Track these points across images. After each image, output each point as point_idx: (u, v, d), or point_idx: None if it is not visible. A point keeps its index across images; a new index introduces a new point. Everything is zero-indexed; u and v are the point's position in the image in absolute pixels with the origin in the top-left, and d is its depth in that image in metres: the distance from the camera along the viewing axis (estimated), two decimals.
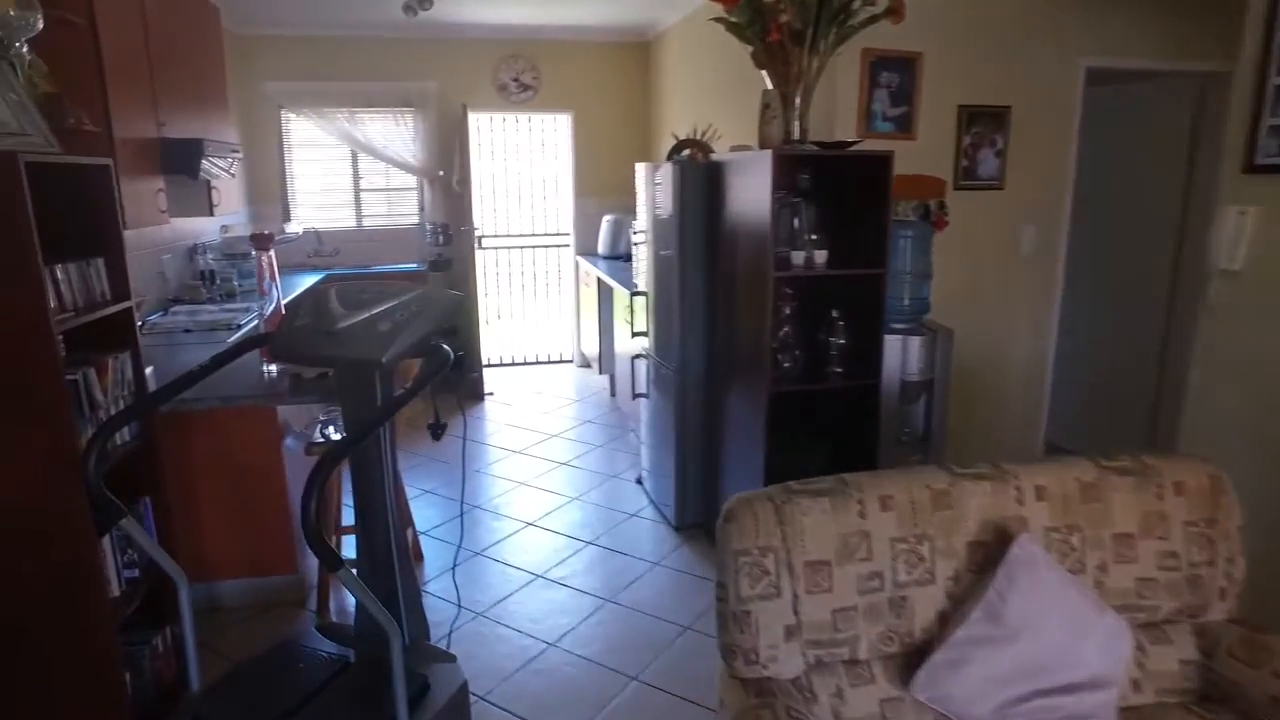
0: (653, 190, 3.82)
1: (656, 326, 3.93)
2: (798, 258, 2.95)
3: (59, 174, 2.25)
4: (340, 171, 6.32)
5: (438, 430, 2.35)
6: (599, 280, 5.71)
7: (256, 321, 3.74)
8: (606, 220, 6.30)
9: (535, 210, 6.96)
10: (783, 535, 1.62)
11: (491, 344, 7.08)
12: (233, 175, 4.27)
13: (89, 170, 2.39)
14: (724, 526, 1.65)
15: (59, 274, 2.20)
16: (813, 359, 3.13)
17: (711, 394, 3.60)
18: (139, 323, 3.85)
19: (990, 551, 1.69)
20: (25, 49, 2.58)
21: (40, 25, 2.25)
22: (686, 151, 3.68)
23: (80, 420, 2.21)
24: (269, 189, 6.17)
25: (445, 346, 2.20)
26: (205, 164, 3.75)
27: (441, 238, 6.17)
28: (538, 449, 4.92)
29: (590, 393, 6.11)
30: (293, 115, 6.10)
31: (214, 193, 4.27)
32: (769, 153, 2.74)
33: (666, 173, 3.53)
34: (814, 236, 2.97)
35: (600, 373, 5.98)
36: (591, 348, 6.34)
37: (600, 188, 6.56)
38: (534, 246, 7.01)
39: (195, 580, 3.04)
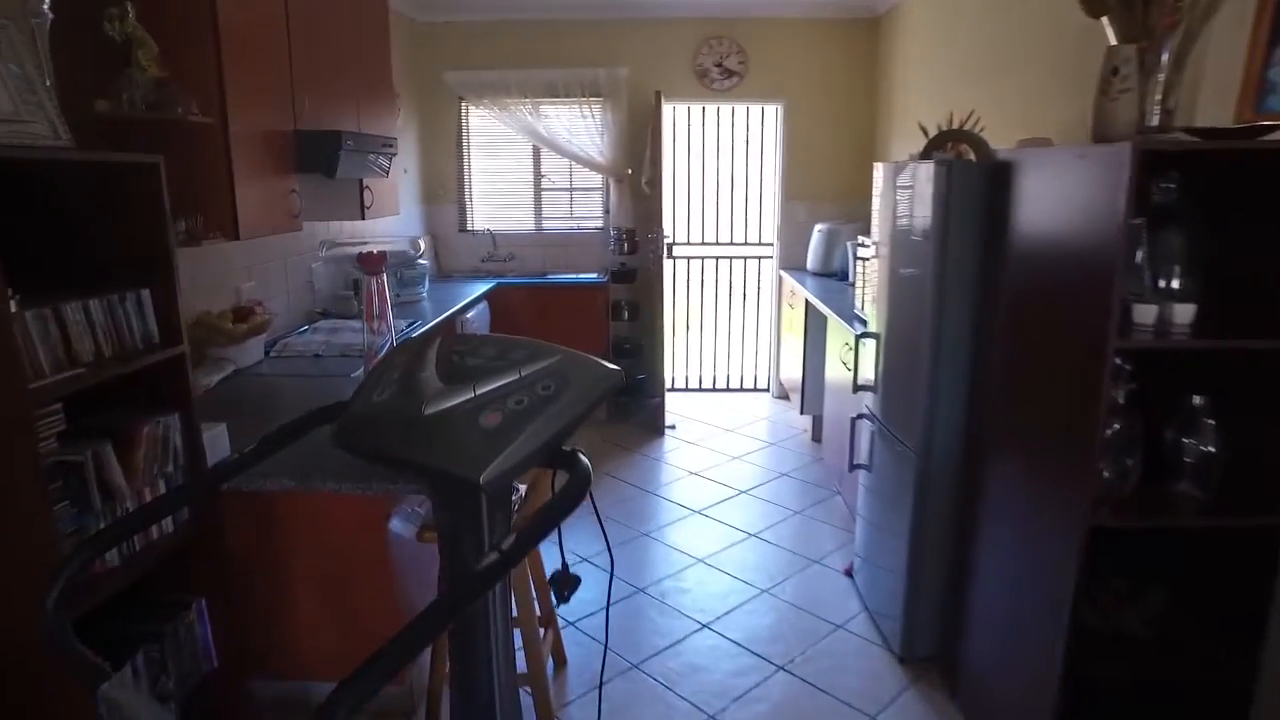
0: (895, 196, 2.81)
1: (889, 381, 2.91)
2: (1144, 314, 1.85)
3: (79, 175, 1.63)
4: (520, 170, 5.74)
5: (565, 589, 1.51)
6: (806, 303, 4.72)
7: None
8: (819, 230, 5.28)
9: (733, 216, 6.04)
10: None
11: (677, 363, 6.28)
12: (384, 173, 3.71)
13: (126, 171, 1.76)
14: None
15: (68, 314, 1.59)
16: (1152, 467, 2.00)
17: (968, 489, 2.54)
18: (271, 342, 3.42)
19: None
20: (132, 22, 2.04)
21: None
22: (949, 147, 2.64)
23: (86, 517, 1.59)
24: (445, 188, 5.71)
25: (585, 459, 1.39)
26: (348, 159, 3.18)
27: (626, 245, 5.43)
28: (722, 509, 4.02)
29: (788, 434, 5.13)
30: (472, 108, 5.59)
31: (366, 193, 3.74)
32: (1123, 147, 1.66)
33: (922, 174, 2.51)
34: (1173, 283, 1.86)
35: (802, 412, 4.99)
36: (792, 376, 5.36)
37: (812, 191, 5.55)
38: (730, 257, 6.11)
39: (286, 676, 2.43)
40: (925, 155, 2.65)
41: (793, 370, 5.29)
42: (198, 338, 2.89)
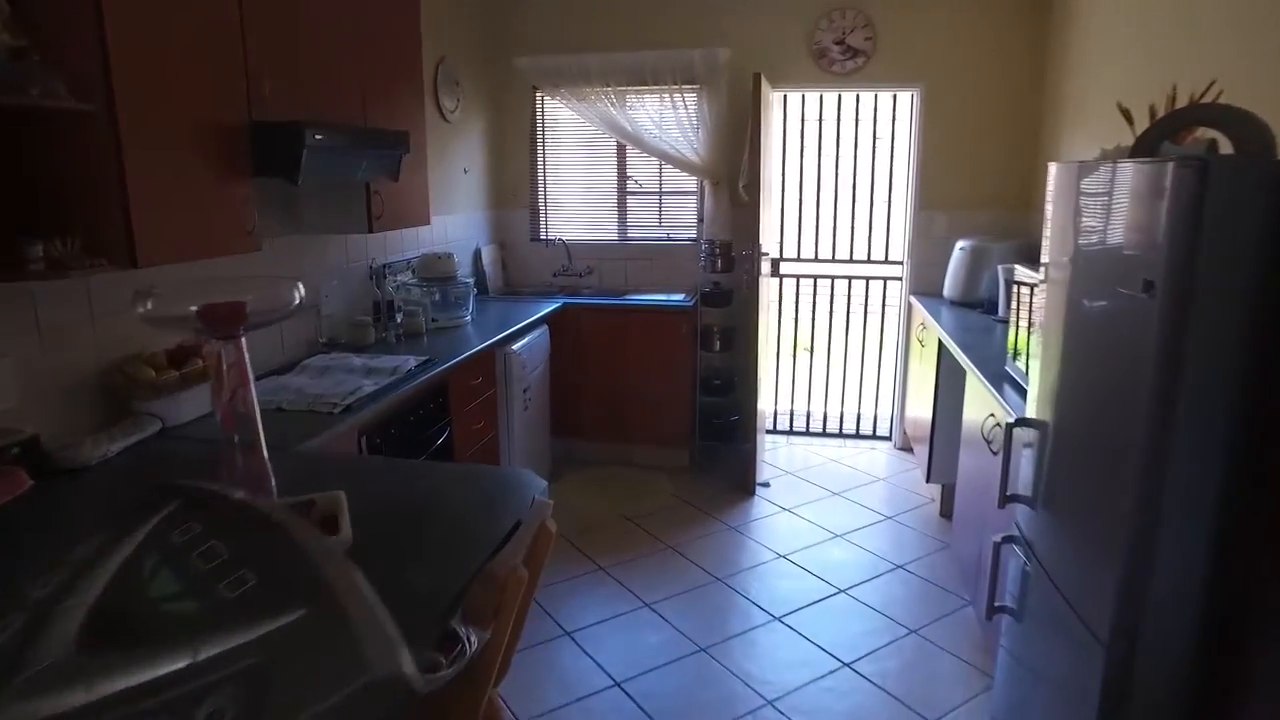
0: (1080, 207, 1.80)
1: (1060, 500, 1.89)
2: None
3: None
4: (603, 170, 4.95)
5: None
6: (941, 343, 3.68)
7: (372, 385, 2.41)
8: (961, 249, 4.20)
9: (854, 228, 4.99)
10: None
11: (781, 398, 5.31)
12: (391, 177, 2.98)
13: None
14: None
15: None
16: None
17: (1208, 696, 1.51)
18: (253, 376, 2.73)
19: None
20: None
21: None
22: (1182, 136, 1.61)
23: None
24: (517, 191, 4.98)
25: None
26: (319, 160, 2.46)
27: (719, 261, 4.52)
28: (810, 616, 3.07)
29: (910, 503, 4.09)
30: (548, 99, 4.84)
31: (376, 199, 3.03)
32: None
33: (1141, 178, 1.50)
34: None
35: (929, 479, 3.94)
36: (920, 426, 4.30)
37: (954, 199, 4.46)
38: (850, 277, 5.08)
39: None
40: (1143, 149, 1.63)
41: (921, 420, 4.23)
42: (114, 386, 2.24)
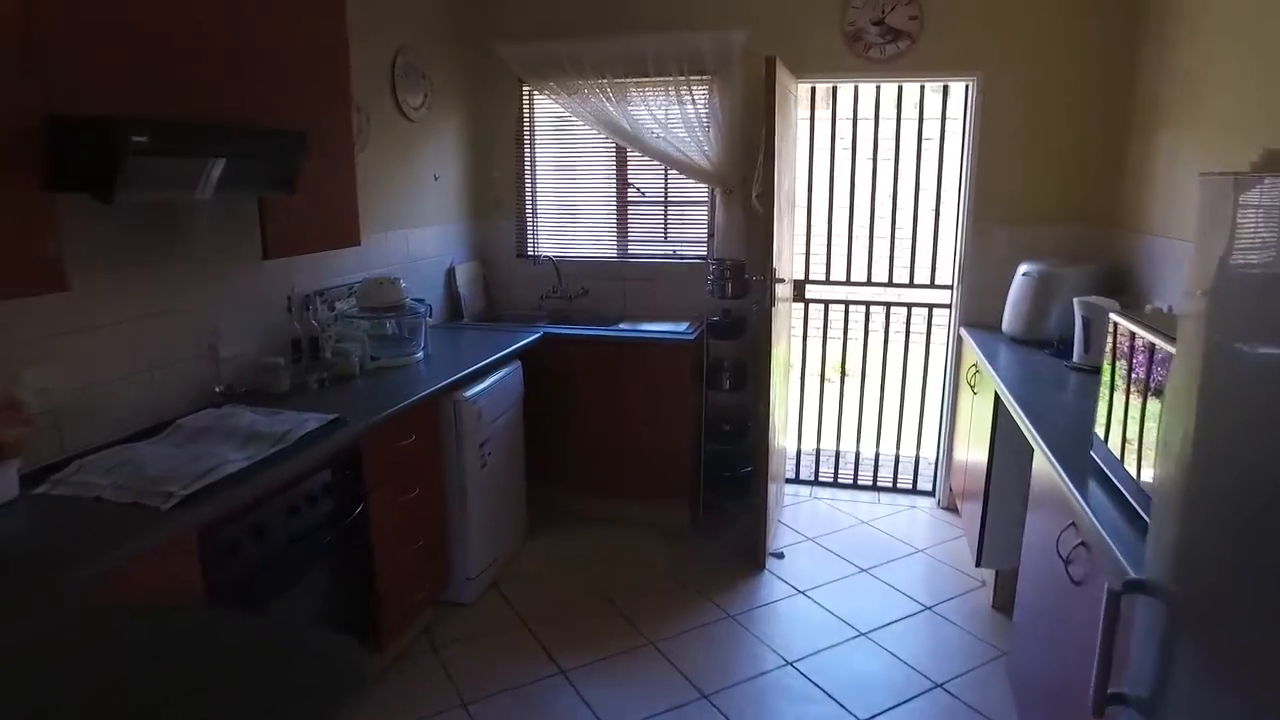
0: (1235, 231, 1.06)
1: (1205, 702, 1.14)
2: None
3: None
4: (600, 177, 4.28)
5: None
6: (999, 398, 2.92)
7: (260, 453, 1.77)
8: (1025, 273, 3.42)
9: (892, 245, 4.22)
10: None
11: (802, 434, 4.57)
12: (288, 192, 2.32)
13: None
14: None
15: None
16: None
17: None
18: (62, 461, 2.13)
19: None
20: None
21: None
22: None
23: None
24: (500, 200, 4.34)
25: None
26: (146, 171, 1.82)
27: (730, 285, 3.81)
28: None
29: (955, 587, 3.33)
30: (537, 94, 4.18)
31: (272, 225, 2.39)
32: None
33: None
34: None
35: (979, 562, 3.17)
36: (968, 480, 3.54)
37: (1018, 212, 3.68)
38: (888, 303, 4.32)
39: None
40: None
41: (972, 472, 3.47)
42: None
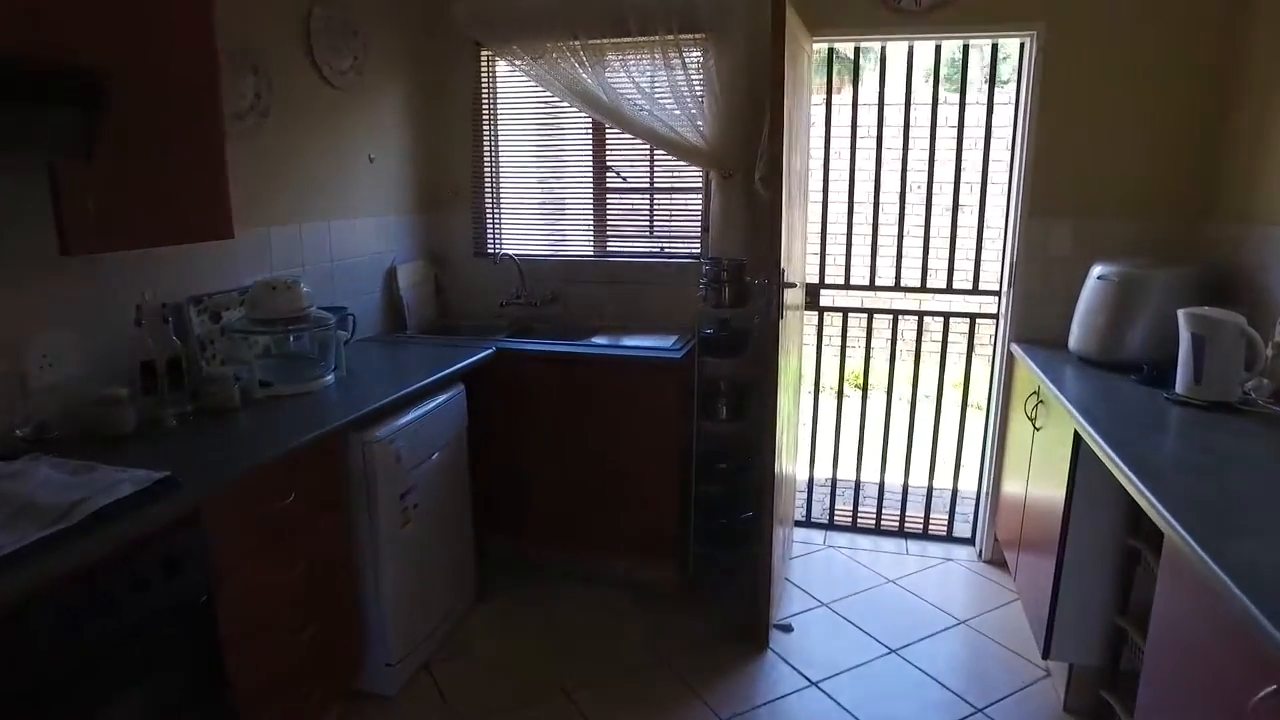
0: None
1: None
2: None
3: None
4: (573, 159, 3.58)
5: None
6: (1080, 441, 2.20)
7: None
8: (1101, 277, 2.70)
9: (926, 242, 3.48)
10: None
11: (814, 461, 3.84)
12: (84, 157, 1.62)
13: None
14: None
15: None
16: None
17: None
18: None
19: None
20: None
21: None
22: None
23: None
24: (456, 187, 3.64)
25: None
26: None
27: (729, 290, 3.10)
28: None
29: (1013, 678, 2.61)
30: (498, 60, 3.49)
31: (70, 207, 1.69)
32: None
33: None
34: None
35: (1046, 652, 2.44)
36: (1026, 536, 2.83)
37: (1086, 199, 2.96)
38: (916, 312, 3.59)
39: None
40: None
41: (1029, 528, 2.76)
42: None
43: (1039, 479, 2.67)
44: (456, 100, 3.55)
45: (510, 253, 3.57)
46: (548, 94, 3.42)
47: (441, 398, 2.68)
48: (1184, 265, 2.64)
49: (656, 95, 3.24)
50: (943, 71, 3.43)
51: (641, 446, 3.03)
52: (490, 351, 2.99)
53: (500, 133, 3.60)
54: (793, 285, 2.70)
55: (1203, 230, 2.80)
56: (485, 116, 3.57)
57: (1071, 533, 2.28)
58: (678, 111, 3.20)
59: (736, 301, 3.10)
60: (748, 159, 3.10)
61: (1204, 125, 2.79)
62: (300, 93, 2.83)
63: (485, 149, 3.60)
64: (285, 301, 2.42)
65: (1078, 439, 2.20)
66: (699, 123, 3.17)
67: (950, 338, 3.49)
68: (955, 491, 3.61)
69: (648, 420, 3.00)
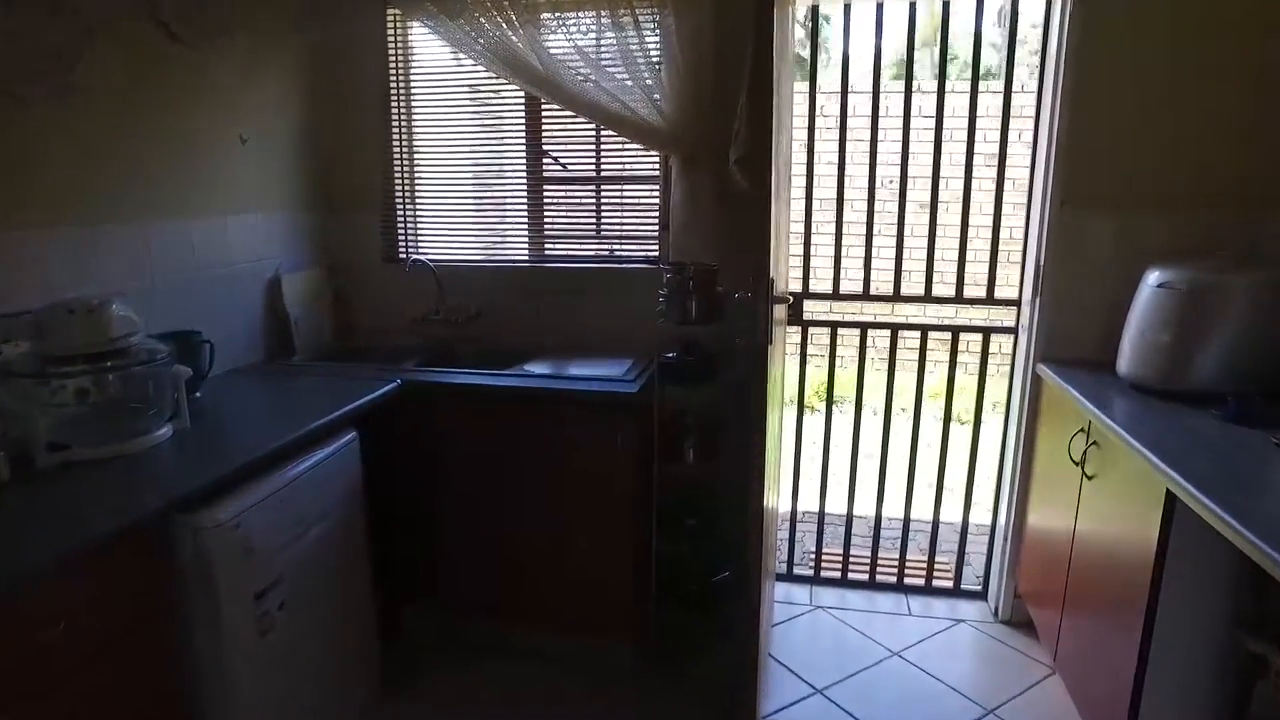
0: None
1: None
2: None
3: None
4: (504, 144, 2.95)
5: None
6: (1176, 504, 1.64)
7: None
8: (1162, 283, 2.15)
9: (930, 244, 2.90)
10: None
11: (797, 491, 3.26)
12: None
13: None
14: None
15: None
16: None
17: None
18: None
19: None
20: None
21: None
22: None
23: None
24: (360, 182, 2.98)
25: None
26: None
27: (695, 302, 2.48)
28: None
29: None
30: (411, 22, 2.85)
31: None
32: None
33: None
34: None
35: None
36: (1066, 593, 2.29)
37: (1133, 189, 2.42)
38: (918, 326, 3.01)
39: None
40: None
41: (1069, 583, 2.22)
42: None
43: (1098, 540, 2.11)
44: (359, 71, 2.89)
45: (427, 258, 2.91)
46: (471, 63, 2.78)
47: (323, 452, 2.03)
48: (1266, 269, 2.11)
49: (603, 62, 2.63)
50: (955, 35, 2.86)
51: (590, 496, 2.41)
52: (393, 386, 2.34)
53: (415, 111, 2.95)
54: (786, 300, 2.11)
55: (1264, 227, 2.28)
56: (395, 91, 2.91)
57: (1160, 626, 1.72)
58: (629, 82, 2.58)
59: (705, 317, 2.49)
60: (717, 139, 2.49)
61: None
62: (138, 50, 2.16)
63: (396, 131, 2.94)
64: (89, 330, 1.74)
65: (1171, 500, 1.65)
66: (655, 95, 2.56)
67: (961, 355, 2.93)
68: (964, 539, 3.05)
69: (597, 465, 2.38)
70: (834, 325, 2.94)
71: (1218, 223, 2.36)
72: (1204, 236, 2.36)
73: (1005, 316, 2.81)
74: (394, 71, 2.90)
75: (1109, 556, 2.01)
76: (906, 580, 3.10)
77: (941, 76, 2.75)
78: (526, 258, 2.96)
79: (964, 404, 3.15)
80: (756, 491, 2.06)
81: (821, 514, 3.18)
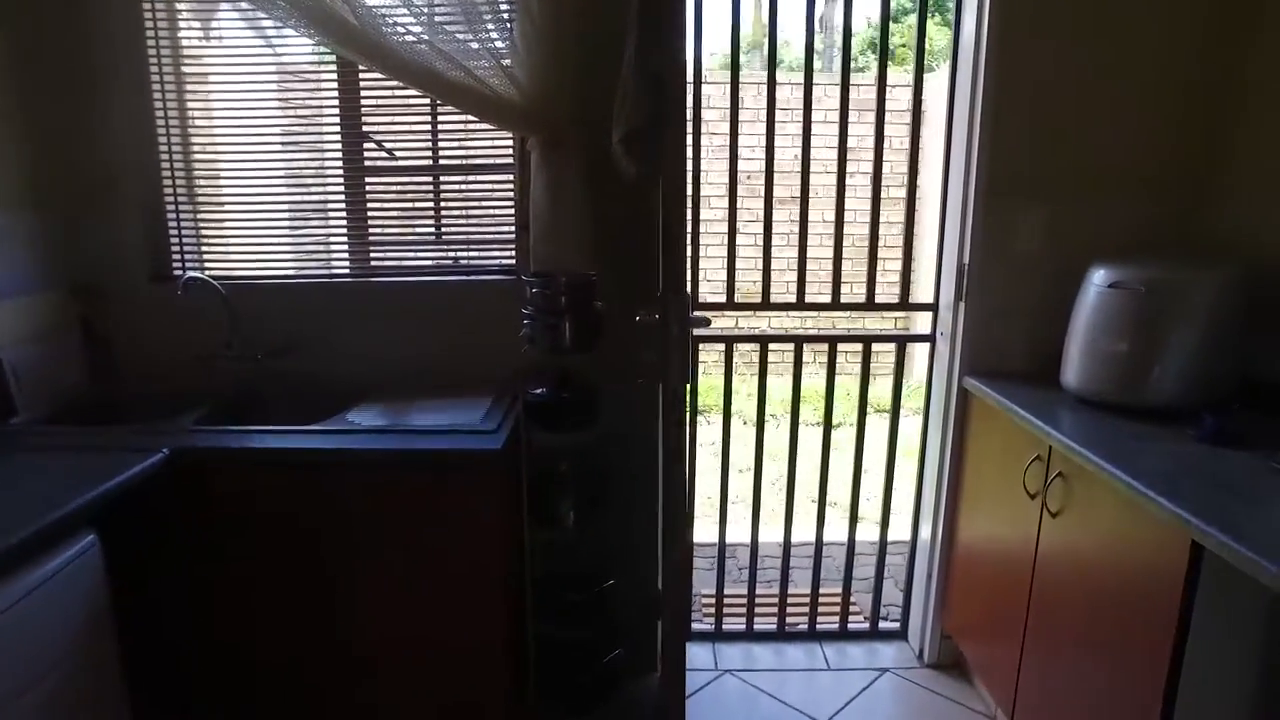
0: None
1: None
2: None
3: None
4: (311, 131, 2.31)
5: None
6: (1203, 550, 1.29)
7: None
8: (1111, 284, 1.84)
9: (838, 245, 2.51)
10: None
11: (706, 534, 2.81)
12: None
13: None
14: None
15: None
16: None
17: None
18: None
19: None
20: None
21: None
22: None
23: None
24: (112, 174, 2.24)
25: None
26: None
27: (568, 323, 1.96)
28: None
29: None
30: None
31: None
32: None
33: None
34: None
35: None
36: (1024, 646, 1.96)
37: (1063, 176, 2.13)
38: (821, 337, 2.62)
39: None
40: None
41: (1027, 634, 1.89)
42: None
43: (1076, 578, 1.77)
44: (105, 25, 2.15)
45: (210, 275, 2.22)
46: (263, 16, 2.13)
47: (38, 572, 1.35)
48: (1231, 264, 1.85)
49: (438, 17, 2.05)
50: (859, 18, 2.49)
51: (443, 579, 1.84)
52: (158, 459, 1.67)
53: (189, 82, 2.25)
54: (705, 321, 1.62)
55: (1235, 217, 2.04)
56: (157, 52, 2.20)
57: (1182, 701, 1.38)
58: (474, 44, 2.02)
59: (583, 343, 1.97)
60: (590, 114, 1.98)
61: (1232, 66, 2.04)
62: None
63: (161, 106, 2.22)
64: None
65: (1197, 552, 1.31)
66: (506, 61, 2.01)
67: (874, 366, 2.56)
68: (880, 576, 2.70)
69: (450, 541, 1.82)
70: (729, 340, 2.50)
71: (1156, 210, 2.11)
72: (1142, 226, 2.10)
73: (923, 323, 2.48)
74: (150, 21, 2.18)
75: (1100, 595, 1.66)
76: (819, 624, 2.72)
77: (845, 59, 2.36)
78: (347, 272, 2.33)
79: (859, 417, 2.80)
80: (670, 560, 1.57)
81: (722, 550, 2.75)
